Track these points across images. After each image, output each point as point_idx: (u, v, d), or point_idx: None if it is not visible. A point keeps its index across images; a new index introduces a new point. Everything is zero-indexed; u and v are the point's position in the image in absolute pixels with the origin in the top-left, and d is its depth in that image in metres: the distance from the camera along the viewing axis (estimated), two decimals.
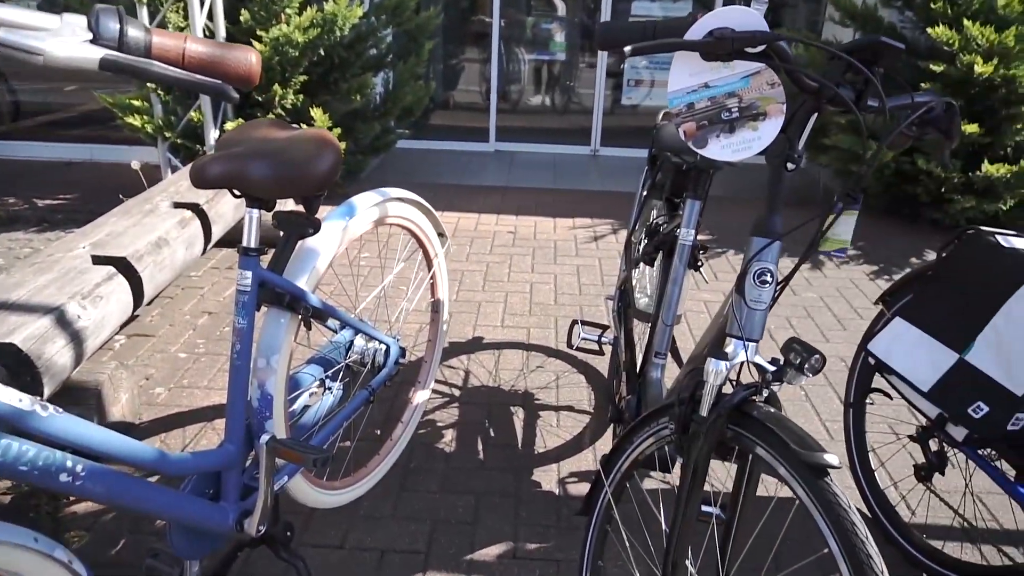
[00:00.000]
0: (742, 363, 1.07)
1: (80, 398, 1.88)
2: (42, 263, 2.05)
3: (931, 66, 3.57)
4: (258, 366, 1.29)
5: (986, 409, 1.35)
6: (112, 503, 1.01)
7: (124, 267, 2.13)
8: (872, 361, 1.59)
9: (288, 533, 1.37)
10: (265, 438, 1.24)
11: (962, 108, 3.52)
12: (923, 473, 1.64)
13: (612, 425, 1.81)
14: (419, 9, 4.36)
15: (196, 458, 1.17)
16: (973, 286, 1.46)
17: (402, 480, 1.90)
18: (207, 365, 2.39)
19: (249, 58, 0.93)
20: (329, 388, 1.60)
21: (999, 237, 1.50)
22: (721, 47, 0.91)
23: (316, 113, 3.55)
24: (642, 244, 2.13)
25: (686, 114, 0.97)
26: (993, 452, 1.50)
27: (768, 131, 0.95)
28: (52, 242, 2.93)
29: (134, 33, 0.86)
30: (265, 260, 1.28)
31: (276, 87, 3.52)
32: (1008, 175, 3.40)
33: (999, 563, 1.57)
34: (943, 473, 1.61)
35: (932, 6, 3.62)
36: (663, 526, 1.69)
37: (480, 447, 2.05)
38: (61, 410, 0.93)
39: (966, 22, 3.44)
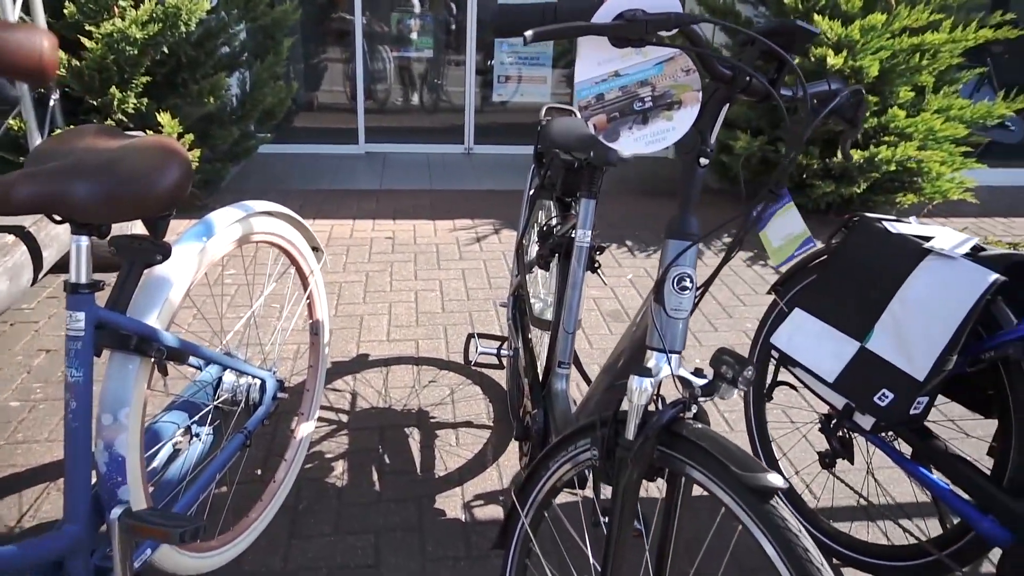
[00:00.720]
0: (666, 377, 0.99)
1: None
2: None
3: None
4: (103, 424, 1.07)
5: (891, 396, 1.35)
6: None
7: None
8: (776, 355, 1.57)
9: None
10: (118, 512, 1.02)
11: None
12: (828, 460, 1.64)
13: (519, 442, 1.70)
14: (274, 3, 4.06)
15: (26, 549, 0.94)
16: (867, 273, 1.46)
17: (291, 526, 1.69)
18: (47, 414, 2.06)
19: (37, 42, 0.72)
20: (197, 435, 1.39)
21: (885, 223, 1.51)
22: (632, 31, 0.81)
23: (164, 118, 3.20)
24: (535, 247, 2.04)
25: (595, 106, 0.87)
26: (891, 433, 1.52)
27: (683, 120, 0.86)
28: None
29: None
30: (105, 296, 1.06)
31: (114, 90, 3.14)
32: (861, 160, 3.60)
33: (904, 542, 1.60)
34: (851, 460, 1.62)
35: (785, 2, 3.77)
36: (589, 557, 1.60)
37: (375, 477, 1.88)
38: None
39: (816, 17, 3.62)
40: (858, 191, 3.78)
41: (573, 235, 1.62)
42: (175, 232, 3.10)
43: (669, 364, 0.99)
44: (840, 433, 1.61)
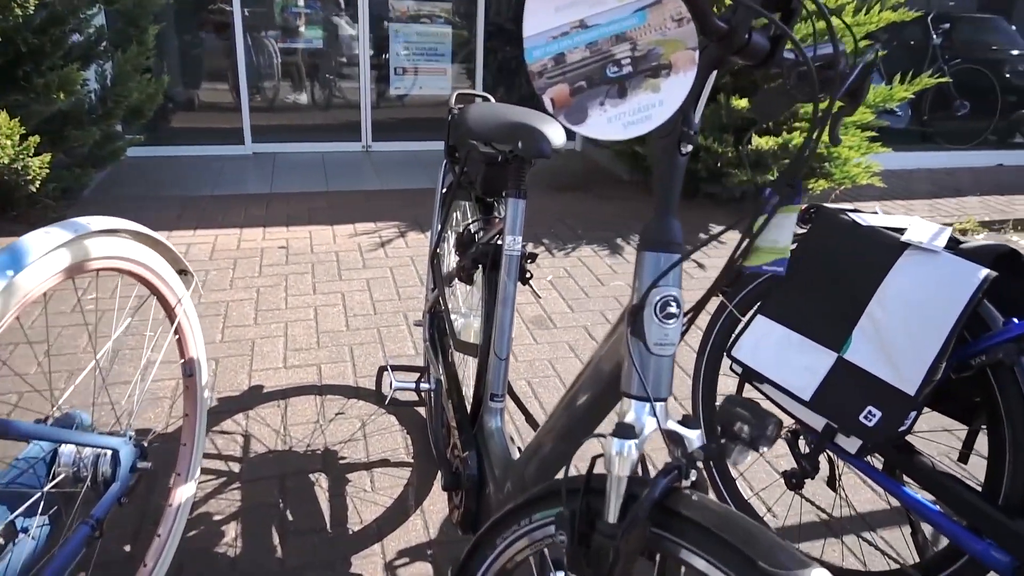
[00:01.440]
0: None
1: None
2: None
3: None
4: None
5: (878, 415, 1.18)
6: None
7: None
8: (737, 369, 1.38)
9: None
10: None
11: (731, 84, 3.60)
12: (794, 481, 1.46)
13: (448, 492, 1.43)
14: None
15: None
16: (838, 273, 1.28)
17: None
18: None
19: None
20: (24, 530, 1.04)
21: (851, 215, 1.35)
22: None
23: (1, 118, 2.72)
24: (451, 256, 1.77)
25: (552, 72, 0.62)
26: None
27: (675, 92, 0.62)
28: None
29: None
30: None
31: None
32: (775, 147, 3.53)
33: (885, 567, 1.45)
34: (814, 476, 1.45)
35: None
36: None
37: (276, 540, 1.57)
38: None
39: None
40: (772, 178, 3.72)
41: (500, 242, 1.37)
42: None
43: (654, 415, 0.75)
44: (809, 452, 1.44)
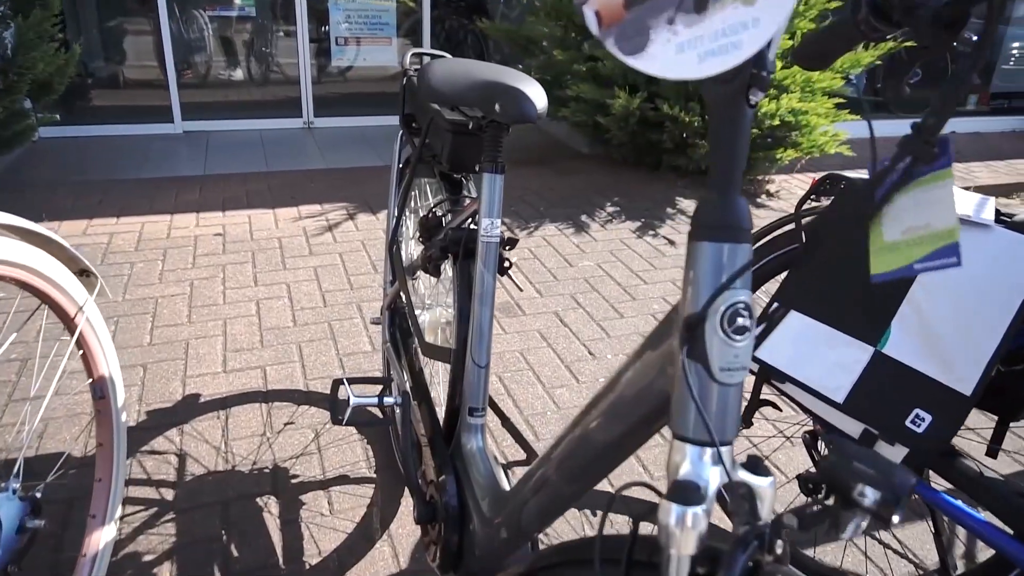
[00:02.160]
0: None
1: None
2: None
3: None
4: None
5: (928, 418, 1.01)
6: None
7: None
8: (754, 367, 1.20)
9: None
10: None
11: None
12: (810, 486, 1.30)
13: (422, 526, 1.22)
14: None
15: None
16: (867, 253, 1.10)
17: None
18: None
19: None
20: None
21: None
22: None
23: None
24: (412, 242, 1.55)
25: None
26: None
27: (776, 7, 0.41)
28: None
29: None
30: None
31: None
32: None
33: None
34: None
35: None
36: None
37: None
38: None
39: None
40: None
41: (474, 226, 1.15)
42: None
43: (720, 464, 0.55)
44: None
